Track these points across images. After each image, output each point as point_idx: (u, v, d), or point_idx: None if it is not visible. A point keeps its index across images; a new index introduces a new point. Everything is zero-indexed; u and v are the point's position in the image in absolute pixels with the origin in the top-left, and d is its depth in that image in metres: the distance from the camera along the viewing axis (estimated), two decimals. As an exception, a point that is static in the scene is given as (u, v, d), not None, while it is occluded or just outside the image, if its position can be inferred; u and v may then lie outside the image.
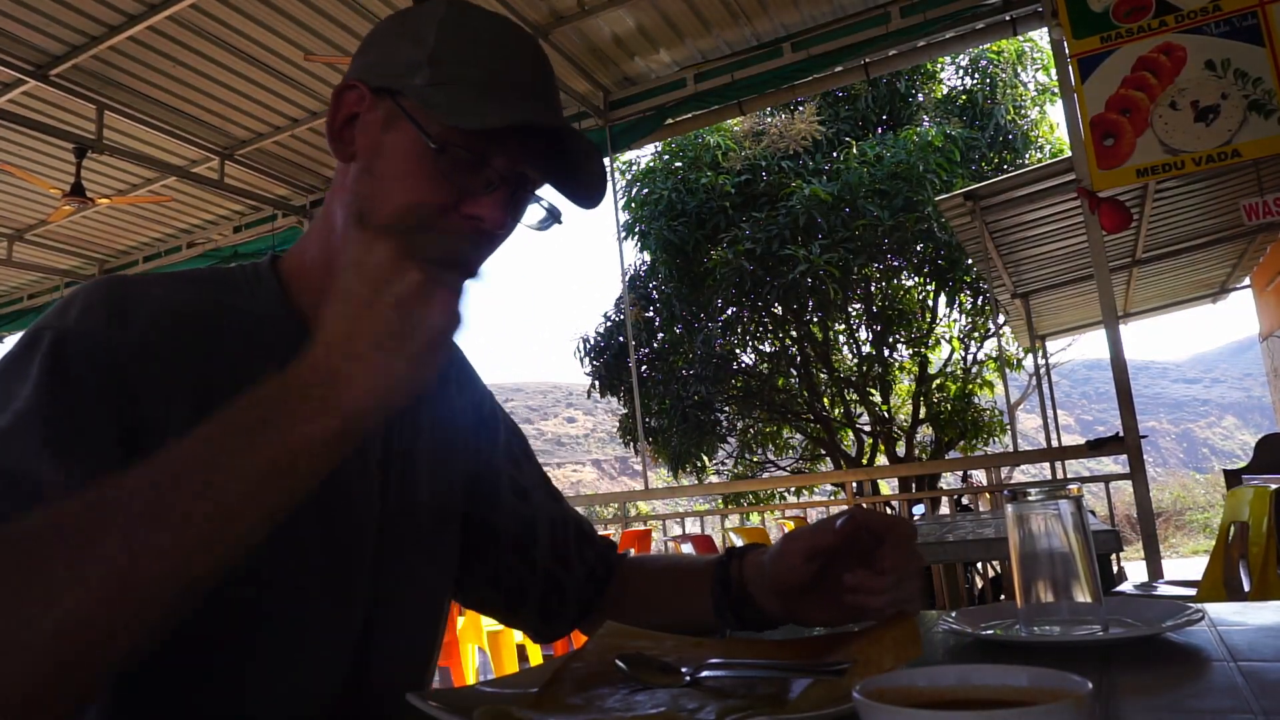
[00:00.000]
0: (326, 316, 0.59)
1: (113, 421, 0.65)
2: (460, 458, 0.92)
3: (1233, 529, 2.75)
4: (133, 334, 0.68)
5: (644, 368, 10.99)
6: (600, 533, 1.04)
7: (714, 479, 11.61)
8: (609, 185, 0.82)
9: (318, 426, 0.55)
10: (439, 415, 0.90)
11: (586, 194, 0.80)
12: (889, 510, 7.98)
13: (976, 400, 10.69)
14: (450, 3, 0.77)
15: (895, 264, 10.31)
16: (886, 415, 11.03)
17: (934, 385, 10.87)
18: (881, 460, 10.85)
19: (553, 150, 0.77)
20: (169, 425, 0.67)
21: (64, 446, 0.62)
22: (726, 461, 11.86)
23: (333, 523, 0.76)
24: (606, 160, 5.96)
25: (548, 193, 0.81)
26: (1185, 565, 10.17)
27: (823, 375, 10.98)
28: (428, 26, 0.75)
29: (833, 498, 6.40)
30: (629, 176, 10.64)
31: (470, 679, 3.68)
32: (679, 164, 10.39)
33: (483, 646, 3.79)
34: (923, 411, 10.88)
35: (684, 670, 0.67)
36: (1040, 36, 10.08)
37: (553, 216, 0.81)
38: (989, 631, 0.82)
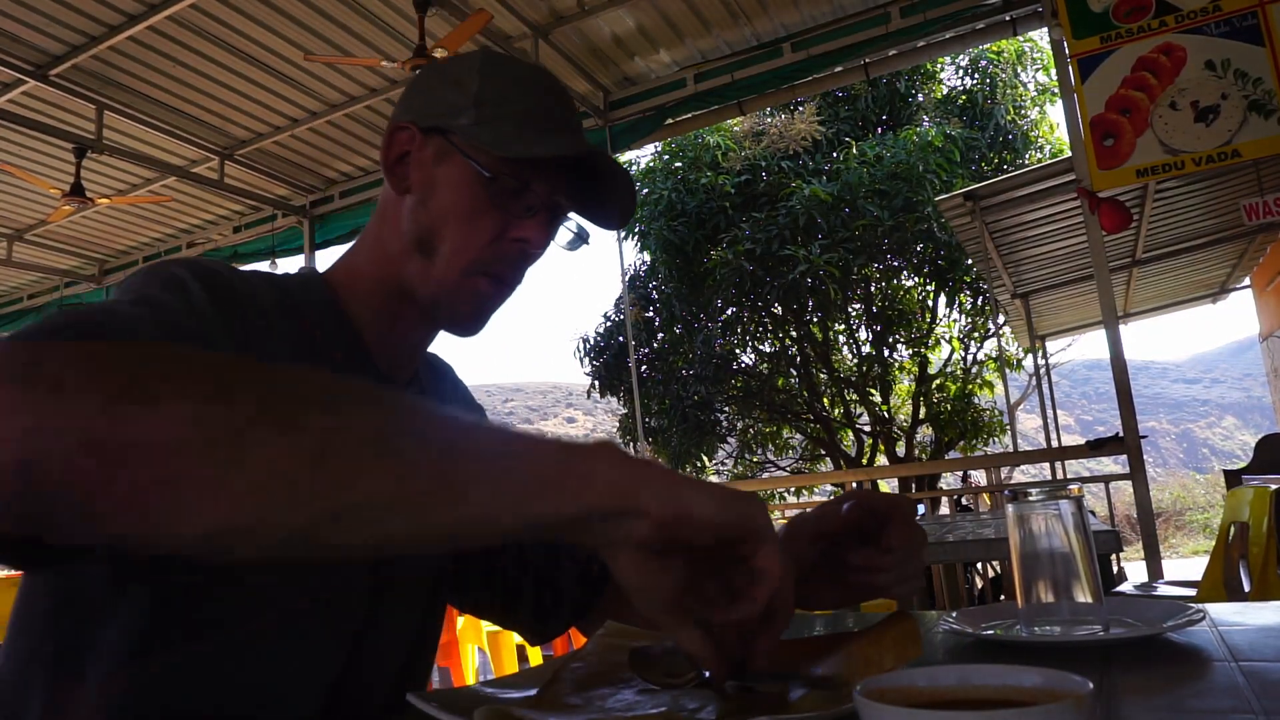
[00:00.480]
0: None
1: (228, 340, 0.70)
2: None
3: (1233, 529, 2.75)
4: (245, 288, 0.75)
5: (644, 368, 10.99)
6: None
7: (714, 479, 11.61)
8: (632, 207, 0.89)
9: (557, 502, 0.50)
10: None
11: (613, 217, 0.89)
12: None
13: (976, 400, 10.69)
14: (487, 52, 0.88)
15: (895, 264, 10.31)
16: (886, 415, 11.03)
17: (934, 385, 10.87)
18: (881, 460, 10.85)
19: (583, 179, 0.86)
20: None
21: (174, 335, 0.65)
22: (726, 461, 11.87)
23: None
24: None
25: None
26: (1185, 565, 10.17)
27: (823, 375, 10.98)
28: (469, 73, 0.85)
29: (832, 498, 6.40)
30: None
31: (470, 679, 3.68)
32: (679, 164, 10.39)
33: (483, 647, 3.80)
34: (923, 411, 10.88)
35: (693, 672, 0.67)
36: (1040, 36, 10.09)
37: (580, 238, 0.91)
38: (989, 631, 0.82)
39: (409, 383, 0.91)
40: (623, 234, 8.20)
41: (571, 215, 0.89)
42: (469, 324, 0.86)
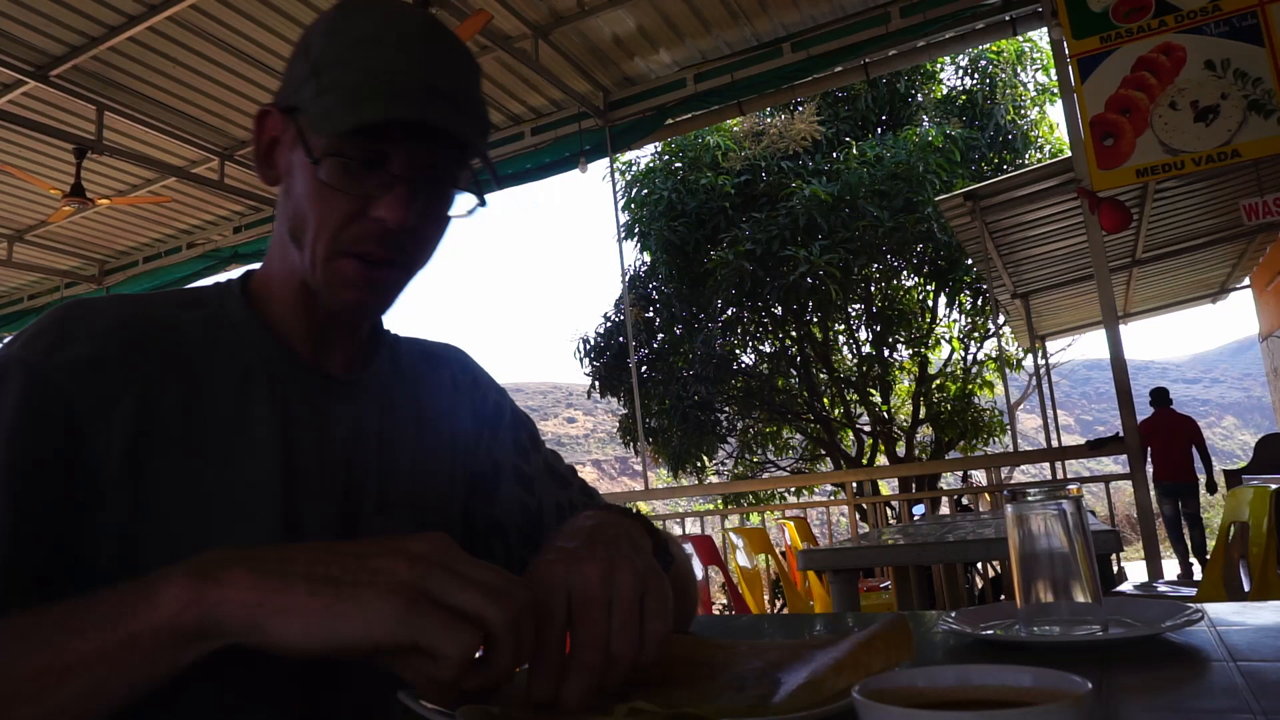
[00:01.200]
0: (297, 547, 0.53)
1: (49, 445, 0.67)
2: (457, 467, 0.92)
3: (1233, 529, 2.74)
4: (75, 352, 0.70)
5: (644, 368, 10.98)
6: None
7: (714, 479, 11.60)
8: (496, 184, 0.83)
9: (168, 603, 0.50)
10: (431, 419, 0.91)
11: (491, 176, 0.81)
12: (889, 510, 7.98)
13: (976, 400, 10.69)
14: (339, 6, 0.77)
15: (895, 264, 10.31)
16: (886, 415, 11.03)
17: (934, 385, 10.87)
18: (881, 460, 10.85)
19: (454, 140, 0.76)
20: (110, 437, 0.69)
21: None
22: (726, 462, 11.86)
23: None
24: (606, 160, 5.98)
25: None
26: (1185, 565, 10.14)
27: (823, 375, 10.98)
28: (316, 36, 0.76)
29: (832, 498, 6.40)
30: (629, 177, 10.63)
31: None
32: (679, 164, 10.38)
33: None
34: (923, 411, 10.88)
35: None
36: (1040, 36, 10.09)
37: (479, 204, 0.81)
38: (989, 631, 0.82)
39: (353, 368, 0.86)
40: (623, 234, 8.19)
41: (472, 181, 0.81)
42: (354, 311, 0.79)
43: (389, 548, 0.52)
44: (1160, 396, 8.71)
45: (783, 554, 5.16)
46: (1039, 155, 10.20)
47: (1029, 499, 0.80)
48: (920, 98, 10.66)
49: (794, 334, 10.80)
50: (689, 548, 4.19)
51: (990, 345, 10.57)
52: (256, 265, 0.87)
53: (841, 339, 11.07)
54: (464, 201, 0.81)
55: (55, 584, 0.66)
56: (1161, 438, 8.42)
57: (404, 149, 0.74)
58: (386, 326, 0.93)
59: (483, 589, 0.51)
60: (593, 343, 11.26)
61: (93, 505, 0.68)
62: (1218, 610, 0.86)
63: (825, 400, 11.06)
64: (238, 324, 0.80)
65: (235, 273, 0.86)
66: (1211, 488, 8.50)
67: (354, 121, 0.70)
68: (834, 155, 10.00)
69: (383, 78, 0.73)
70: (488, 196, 0.82)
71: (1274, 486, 2.54)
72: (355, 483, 0.82)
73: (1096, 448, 4.35)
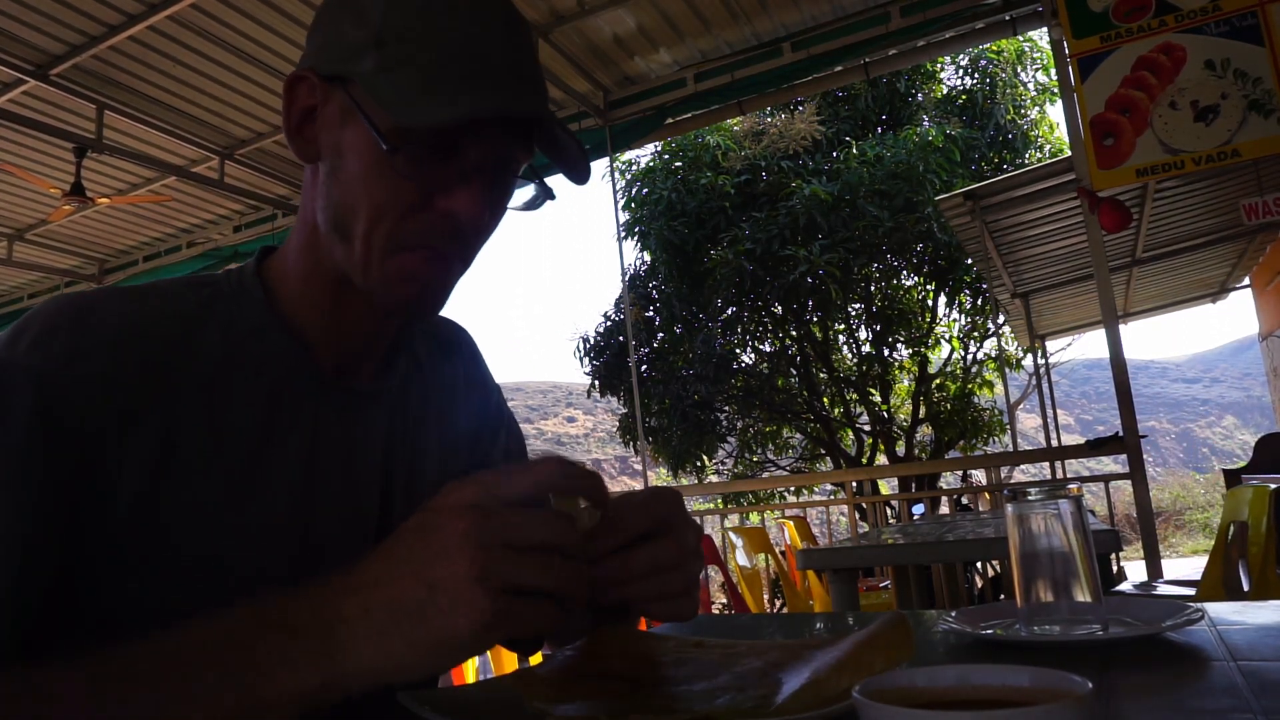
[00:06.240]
0: (364, 564, 0.54)
1: (58, 461, 0.61)
2: (463, 460, 0.90)
3: (1232, 529, 2.74)
4: (90, 366, 0.63)
5: (644, 367, 10.98)
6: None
7: (714, 479, 11.60)
8: (590, 165, 0.78)
9: (295, 682, 0.51)
10: (449, 421, 0.88)
11: (576, 170, 0.75)
12: (889, 510, 7.99)
13: (976, 400, 10.69)
14: None
15: (895, 264, 10.31)
16: (886, 415, 11.03)
17: (934, 385, 10.87)
18: (881, 460, 10.85)
19: (534, 123, 0.71)
20: (127, 464, 0.64)
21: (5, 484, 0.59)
22: (726, 461, 11.86)
23: (323, 550, 0.73)
24: (606, 160, 5.98)
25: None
26: (1185, 565, 10.17)
27: (823, 375, 10.98)
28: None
29: (832, 497, 6.40)
30: (629, 176, 10.63)
31: (471, 678, 3.68)
32: (679, 164, 10.38)
33: (483, 646, 3.78)
34: (923, 411, 10.88)
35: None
36: (1040, 36, 10.08)
37: (544, 194, 0.77)
38: (989, 631, 0.82)
39: (379, 376, 0.81)
40: (623, 234, 8.19)
41: (530, 170, 0.75)
42: (415, 309, 0.72)
43: (437, 548, 0.52)
44: None
45: (782, 553, 5.17)
46: (1039, 155, 10.20)
47: (1029, 499, 0.80)
48: (920, 97, 10.65)
49: (794, 333, 10.80)
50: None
51: (990, 345, 10.58)
52: (272, 246, 0.80)
53: (841, 338, 11.07)
54: (522, 194, 0.76)
55: (55, 618, 0.62)
56: None
57: (484, 138, 0.68)
58: None
59: (542, 560, 0.53)
60: (592, 342, 11.26)
61: (103, 535, 0.63)
62: (1218, 610, 0.86)
63: (825, 400, 11.06)
64: (258, 329, 0.73)
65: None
66: None
67: (452, 114, 0.63)
68: (834, 155, 10.00)
69: (470, 61, 0.66)
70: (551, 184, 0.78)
71: (1274, 486, 2.54)
72: (388, 500, 0.79)
73: (1096, 447, 4.35)
